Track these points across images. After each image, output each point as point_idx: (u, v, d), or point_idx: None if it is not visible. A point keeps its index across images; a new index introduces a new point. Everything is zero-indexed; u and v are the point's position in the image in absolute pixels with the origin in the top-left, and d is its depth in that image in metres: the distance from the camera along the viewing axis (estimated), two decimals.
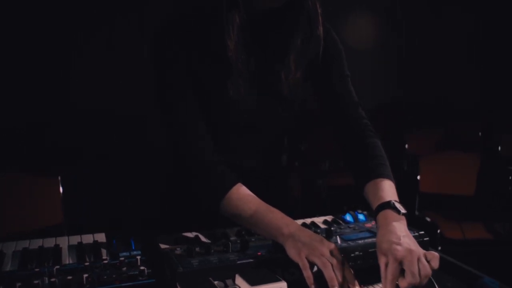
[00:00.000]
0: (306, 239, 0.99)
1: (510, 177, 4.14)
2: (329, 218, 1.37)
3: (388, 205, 1.03)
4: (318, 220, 1.35)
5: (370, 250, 1.09)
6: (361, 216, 1.35)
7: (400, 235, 0.95)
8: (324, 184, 4.09)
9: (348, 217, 1.35)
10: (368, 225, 1.28)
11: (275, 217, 1.05)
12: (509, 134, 4.51)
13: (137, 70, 4.28)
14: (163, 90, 1.16)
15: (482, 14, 5.70)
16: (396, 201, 1.04)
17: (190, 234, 1.20)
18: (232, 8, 1.06)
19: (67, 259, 1.03)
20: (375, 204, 1.07)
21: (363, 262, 1.08)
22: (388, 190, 1.08)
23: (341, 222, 1.33)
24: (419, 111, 5.38)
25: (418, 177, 3.24)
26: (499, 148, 4.45)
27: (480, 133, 5.13)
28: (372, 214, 1.09)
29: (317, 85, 1.26)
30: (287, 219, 1.05)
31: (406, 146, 4.57)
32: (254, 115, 1.22)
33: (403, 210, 1.02)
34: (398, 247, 0.92)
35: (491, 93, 5.82)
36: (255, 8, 1.10)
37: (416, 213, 3.21)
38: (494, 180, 3.74)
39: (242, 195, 1.09)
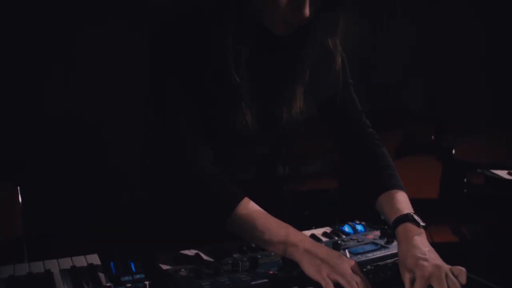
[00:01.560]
0: (324, 255, 0.94)
1: (465, 180, 4.28)
2: (327, 229, 1.32)
3: (407, 218, 1.00)
4: (317, 232, 1.30)
5: (380, 264, 1.06)
6: (359, 227, 1.32)
7: (425, 249, 0.92)
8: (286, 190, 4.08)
9: (347, 228, 1.32)
10: (370, 236, 1.25)
11: (288, 232, 0.99)
12: (463, 137, 4.65)
13: (94, 74, 4.15)
14: (162, 98, 1.08)
15: (423, 25, 5.88)
16: (414, 213, 1.01)
17: (189, 252, 1.12)
18: (244, 33, 1.00)
19: (62, 287, 0.92)
20: (392, 217, 1.03)
21: (374, 277, 1.04)
22: (404, 202, 1.05)
23: (340, 233, 1.29)
24: (375, 116, 5.47)
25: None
26: (453, 151, 4.58)
27: (433, 137, 5.29)
28: (391, 227, 1.06)
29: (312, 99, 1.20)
30: (301, 234, 1.00)
31: None
32: (256, 127, 1.15)
33: (422, 223, 0.99)
34: (425, 263, 0.88)
35: (441, 97, 6.01)
36: (267, 36, 1.04)
37: (382, 218, 3.23)
38: (453, 183, 3.85)
39: (251, 210, 1.02)
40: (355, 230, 1.30)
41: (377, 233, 1.27)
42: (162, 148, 1.12)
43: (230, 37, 1.00)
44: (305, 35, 1.06)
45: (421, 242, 0.94)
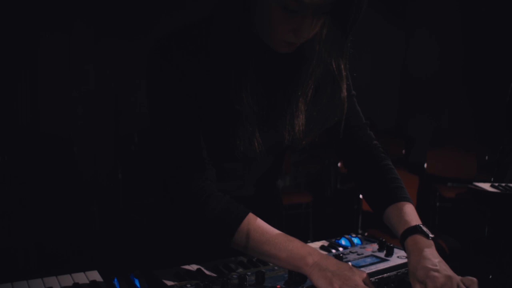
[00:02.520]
0: (334, 267, 0.93)
1: (438, 193, 4.37)
2: (324, 243, 1.32)
3: (416, 229, 1.00)
4: (314, 246, 1.29)
5: (384, 276, 1.06)
6: (356, 240, 1.32)
7: (435, 261, 0.92)
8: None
9: (344, 242, 1.31)
10: (368, 249, 1.25)
11: (296, 246, 0.98)
12: (433, 151, 4.76)
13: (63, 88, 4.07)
14: (161, 114, 1.05)
15: (390, 45, 6.03)
16: (422, 225, 1.02)
17: (191, 267, 1.10)
18: (248, 50, 0.99)
19: None
20: (401, 229, 1.03)
21: None
22: (412, 214, 1.06)
23: (337, 247, 1.28)
24: None
25: (361, 196, 3.30)
26: (425, 165, 4.68)
27: (403, 151, 5.39)
28: (399, 239, 1.06)
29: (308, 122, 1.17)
30: (308, 247, 0.99)
31: (339, 164, 4.68)
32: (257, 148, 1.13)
33: (431, 234, 0.99)
34: (437, 274, 0.89)
35: (410, 112, 6.14)
36: (269, 52, 1.03)
37: (360, 231, 3.26)
38: (425, 197, 3.93)
39: (257, 226, 1.01)
40: (352, 243, 1.30)
41: (375, 245, 1.28)
42: (162, 168, 1.09)
43: (233, 55, 0.98)
44: (307, 51, 1.05)
45: (431, 254, 0.95)
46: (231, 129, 1.06)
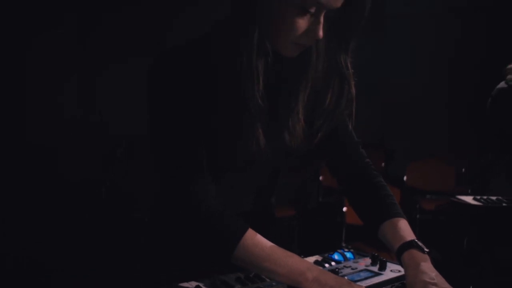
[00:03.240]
0: (333, 282, 0.95)
1: (418, 206, 4.44)
2: (318, 258, 1.33)
3: (412, 244, 1.03)
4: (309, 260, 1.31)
5: None
6: (349, 254, 1.34)
7: (432, 274, 0.95)
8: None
9: (337, 256, 1.33)
10: (361, 263, 1.27)
11: (295, 261, 1.00)
12: (413, 163, 4.85)
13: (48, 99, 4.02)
14: (162, 129, 1.06)
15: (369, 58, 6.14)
16: (417, 239, 1.05)
17: (189, 285, 1.10)
18: (261, 52, 1.00)
19: None
20: (396, 244, 1.06)
21: None
22: (406, 229, 1.09)
23: (331, 261, 1.30)
24: None
25: (344, 209, 3.34)
26: (405, 178, 4.76)
27: (383, 164, 5.47)
28: (395, 254, 1.08)
29: (313, 128, 1.18)
30: (307, 262, 1.01)
31: (321, 178, 4.72)
32: (257, 157, 1.14)
33: (426, 249, 1.02)
34: (434, 287, 0.91)
35: (390, 125, 6.24)
36: (276, 57, 1.04)
37: (343, 244, 3.30)
38: (406, 209, 3.98)
39: (257, 241, 1.02)
40: (345, 258, 1.32)
41: (368, 259, 1.30)
42: (163, 183, 1.09)
43: (244, 62, 0.99)
44: (308, 53, 1.09)
45: (428, 268, 0.98)
46: (235, 134, 1.07)
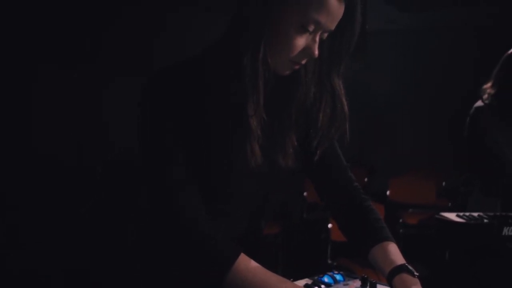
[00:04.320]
0: None
1: (401, 220, 4.50)
2: (308, 281, 1.35)
3: (402, 268, 1.07)
4: (298, 284, 1.33)
5: None
6: (338, 277, 1.36)
7: None
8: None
9: (327, 279, 1.35)
10: (351, 286, 1.29)
11: (287, 287, 1.02)
12: (395, 178, 4.92)
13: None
14: (154, 149, 1.07)
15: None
16: (408, 263, 1.08)
17: None
18: (264, 70, 1.03)
19: None
20: (387, 268, 1.09)
21: None
22: (396, 253, 1.12)
23: (321, 284, 1.32)
24: None
25: (330, 226, 3.37)
26: (388, 192, 4.82)
27: (366, 179, 5.53)
28: (386, 278, 1.11)
29: (304, 149, 1.22)
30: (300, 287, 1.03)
31: (305, 194, 4.76)
32: (250, 180, 1.16)
33: (416, 273, 1.06)
34: None
35: (370, 142, 6.32)
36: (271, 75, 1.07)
37: (329, 261, 3.32)
38: (389, 224, 4.03)
39: (250, 266, 1.04)
40: (335, 280, 1.34)
41: (357, 281, 1.32)
42: (154, 203, 1.10)
43: (248, 81, 1.02)
44: (304, 72, 1.13)
45: None
46: (231, 154, 1.08)
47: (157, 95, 1.05)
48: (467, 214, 2.08)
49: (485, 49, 5.00)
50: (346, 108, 1.15)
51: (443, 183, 5.15)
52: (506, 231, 1.90)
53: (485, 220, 1.98)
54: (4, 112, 3.60)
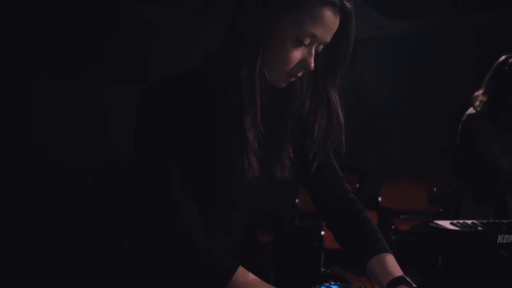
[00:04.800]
0: None
1: (393, 227, 4.49)
2: None
3: (400, 280, 1.06)
4: None
5: None
6: None
7: None
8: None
9: None
10: None
11: None
12: (387, 184, 4.92)
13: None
14: (149, 161, 1.06)
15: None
16: (405, 275, 1.07)
17: None
18: (261, 83, 1.02)
19: None
20: (385, 280, 1.09)
21: None
22: (394, 265, 1.12)
23: None
24: None
25: (322, 233, 3.36)
26: (379, 199, 4.82)
27: (357, 185, 5.54)
28: None
29: (300, 160, 1.21)
30: None
31: (297, 200, 4.74)
32: (247, 192, 1.15)
33: (414, 284, 1.05)
34: None
35: (363, 146, 6.34)
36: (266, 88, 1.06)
37: (322, 269, 3.31)
38: (382, 231, 4.03)
39: (248, 279, 1.03)
40: None
41: None
42: (151, 216, 1.09)
43: (245, 94, 1.01)
44: (300, 85, 1.13)
45: None
46: (229, 166, 1.08)
47: (155, 107, 1.05)
48: (461, 221, 2.08)
49: (481, 54, 5.06)
50: (342, 119, 1.15)
51: (435, 189, 5.17)
52: (500, 239, 1.90)
53: (479, 228, 1.99)
54: (4, 112, 3.58)
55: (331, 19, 1.01)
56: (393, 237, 4.42)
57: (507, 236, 1.91)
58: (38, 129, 3.82)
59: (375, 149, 6.18)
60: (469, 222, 2.09)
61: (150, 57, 4.11)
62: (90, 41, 3.94)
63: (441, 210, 4.72)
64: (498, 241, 1.91)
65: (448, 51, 5.74)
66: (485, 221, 2.12)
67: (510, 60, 2.57)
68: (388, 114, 6.15)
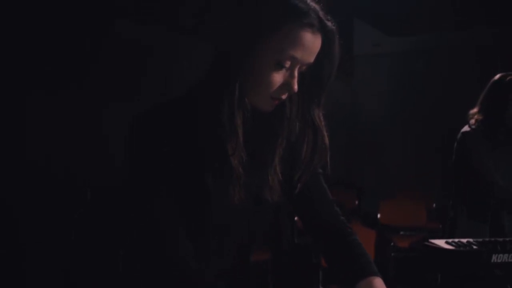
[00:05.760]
0: None
1: (392, 244, 4.49)
2: None
3: None
4: None
5: None
6: None
7: None
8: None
9: None
10: None
11: None
12: (385, 201, 4.92)
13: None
14: (140, 185, 1.07)
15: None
16: None
17: None
18: (241, 108, 1.03)
19: None
20: None
21: None
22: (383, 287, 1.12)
23: None
24: None
25: None
26: (378, 215, 4.82)
27: (356, 202, 5.53)
28: None
29: (287, 182, 1.21)
30: None
31: (295, 218, 4.73)
32: (236, 215, 1.16)
33: None
34: None
35: (360, 164, 6.34)
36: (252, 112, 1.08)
37: (320, 287, 3.30)
38: (381, 248, 4.02)
39: None
40: None
41: None
42: (139, 241, 1.10)
43: (225, 120, 1.02)
44: (286, 107, 1.13)
45: None
46: (215, 191, 1.08)
47: (146, 133, 1.06)
48: (456, 240, 2.07)
49: (480, 71, 5.10)
50: (326, 141, 1.15)
51: (434, 205, 5.16)
52: (495, 258, 1.89)
53: (474, 247, 1.97)
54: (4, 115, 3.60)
55: (310, 41, 1.01)
56: (392, 254, 4.42)
57: (501, 255, 1.89)
58: (36, 144, 3.83)
59: (373, 164, 6.19)
60: (464, 241, 2.08)
61: (144, 76, 4.14)
62: (85, 58, 3.97)
63: (441, 226, 4.72)
64: (492, 261, 1.90)
65: (446, 68, 5.78)
66: (480, 240, 2.11)
67: (507, 79, 2.57)
68: (385, 130, 6.17)
